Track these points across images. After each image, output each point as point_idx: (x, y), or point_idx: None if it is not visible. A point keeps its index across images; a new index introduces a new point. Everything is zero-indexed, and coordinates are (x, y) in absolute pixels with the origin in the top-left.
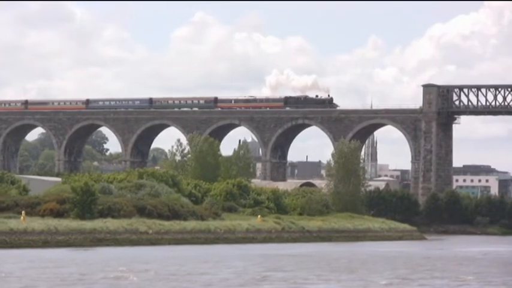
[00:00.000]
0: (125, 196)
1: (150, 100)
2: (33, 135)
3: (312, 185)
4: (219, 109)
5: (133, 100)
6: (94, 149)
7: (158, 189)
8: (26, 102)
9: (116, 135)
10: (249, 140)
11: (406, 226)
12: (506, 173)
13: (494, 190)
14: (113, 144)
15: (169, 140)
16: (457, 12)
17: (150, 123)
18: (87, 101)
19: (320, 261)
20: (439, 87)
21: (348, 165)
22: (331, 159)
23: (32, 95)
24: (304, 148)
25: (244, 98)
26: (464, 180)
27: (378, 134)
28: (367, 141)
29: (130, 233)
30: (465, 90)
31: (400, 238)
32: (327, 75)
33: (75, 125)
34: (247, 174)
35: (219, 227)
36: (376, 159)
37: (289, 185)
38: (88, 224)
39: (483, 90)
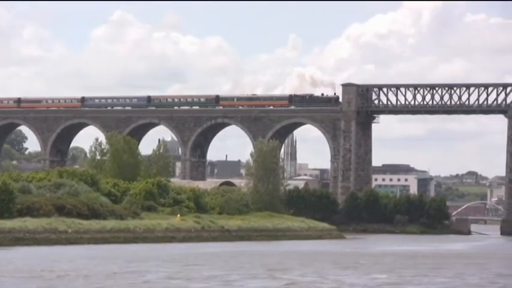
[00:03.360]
0: (44, 195)
1: (148, 98)
2: None
3: (231, 184)
4: (221, 107)
5: (131, 98)
6: (13, 148)
7: (77, 188)
8: (18, 100)
9: (35, 134)
10: (168, 139)
11: (325, 225)
12: (425, 172)
13: (414, 189)
14: (32, 143)
15: (89, 139)
16: (375, 11)
17: (69, 122)
18: (83, 99)
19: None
20: (358, 86)
21: (267, 165)
22: (251, 158)
23: None
24: (223, 147)
25: (247, 96)
26: (384, 179)
27: (298, 133)
28: (286, 141)
29: (50, 233)
30: (384, 89)
31: (319, 237)
32: (246, 74)
33: None
34: (167, 173)
35: (138, 226)
36: (295, 158)
37: (209, 184)
38: (7, 223)
39: (402, 89)
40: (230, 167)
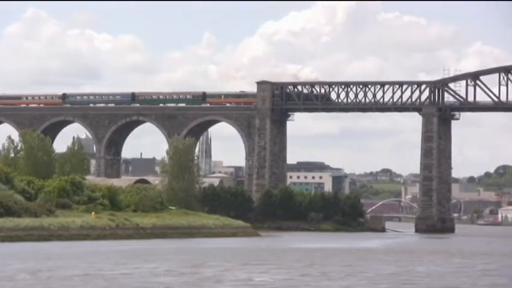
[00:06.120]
0: None
1: (132, 95)
2: None
3: (146, 181)
4: (208, 105)
5: (114, 95)
6: None
7: None
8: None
9: None
10: (83, 136)
11: (240, 223)
12: (339, 169)
13: (328, 187)
14: None
15: (2, 136)
16: (290, 9)
17: None
18: (64, 96)
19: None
20: (273, 84)
21: (182, 162)
22: (166, 155)
23: None
24: (138, 145)
25: (234, 93)
26: (298, 177)
27: (212, 130)
28: (201, 138)
29: None
30: (299, 87)
31: (234, 235)
32: (159, 72)
33: None
34: (82, 171)
35: (52, 224)
36: (210, 156)
37: (124, 181)
38: None
39: (317, 87)
40: (145, 165)
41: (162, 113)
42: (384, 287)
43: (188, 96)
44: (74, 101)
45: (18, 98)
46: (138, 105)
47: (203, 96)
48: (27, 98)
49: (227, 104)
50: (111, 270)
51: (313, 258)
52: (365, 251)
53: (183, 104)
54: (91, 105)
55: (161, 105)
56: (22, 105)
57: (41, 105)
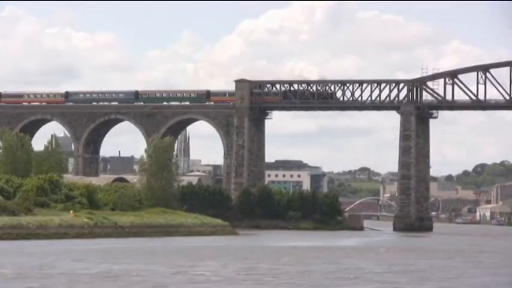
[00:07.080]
0: None
1: (136, 93)
2: None
3: (124, 180)
4: (212, 103)
5: (117, 93)
6: None
7: None
8: None
9: None
10: (61, 135)
11: (218, 221)
12: (317, 168)
13: (306, 185)
14: None
15: None
16: (268, 7)
17: None
18: (67, 94)
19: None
20: (251, 82)
21: (161, 161)
22: (144, 154)
23: None
24: (116, 143)
25: None
26: (277, 176)
27: (191, 129)
28: (179, 137)
29: None
30: (277, 85)
31: (212, 233)
32: (139, 70)
33: None
34: (60, 169)
35: (31, 222)
36: (188, 154)
37: (102, 180)
38: None
39: (295, 85)
40: (123, 163)
41: (140, 112)
42: (369, 285)
43: (192, 95)
44: (77, 99)
45: (20, 96)
46: (141, 103)
47: (207, 95)
48: (29, 96)
49: (231, 103)
50: (89, 269)
51: (294, 256)
52: (344, 249)
53: (187, 103)
54: (94, 103)
55: (140, 103)
56: (24, 103)
57: (43, 103)
